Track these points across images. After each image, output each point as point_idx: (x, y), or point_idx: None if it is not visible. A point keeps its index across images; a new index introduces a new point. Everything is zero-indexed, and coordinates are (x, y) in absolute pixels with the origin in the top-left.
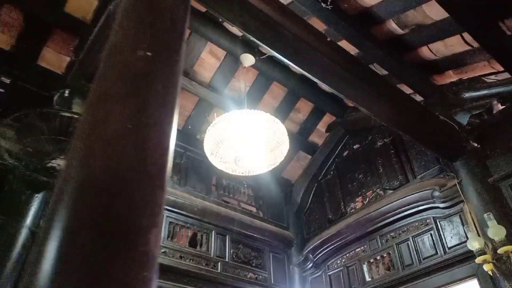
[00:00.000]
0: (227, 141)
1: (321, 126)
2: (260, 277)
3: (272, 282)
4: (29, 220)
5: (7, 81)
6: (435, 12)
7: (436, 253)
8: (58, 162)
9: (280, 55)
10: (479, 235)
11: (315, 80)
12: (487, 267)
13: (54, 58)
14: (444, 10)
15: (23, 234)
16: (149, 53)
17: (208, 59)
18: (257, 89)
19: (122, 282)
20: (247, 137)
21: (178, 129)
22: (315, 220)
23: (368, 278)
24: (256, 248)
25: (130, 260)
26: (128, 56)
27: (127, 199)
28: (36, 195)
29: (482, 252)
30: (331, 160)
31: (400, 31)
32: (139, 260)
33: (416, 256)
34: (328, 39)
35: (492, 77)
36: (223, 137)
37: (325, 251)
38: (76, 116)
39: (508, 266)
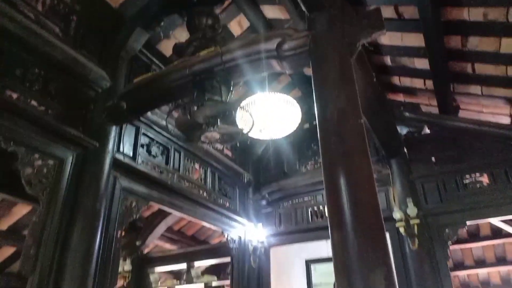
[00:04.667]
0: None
1: None
2: (231, 206)
3: (238, 210)
4: (110, 148)
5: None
6: (422, 64)
7: None
8: (207, 134)
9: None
10: (400, 209)
11: None
12: (401, 230)
13: None
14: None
15: (108, 159)
16: (362, 120)
17: (235, 27)
18: None
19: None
20: (269, 116)
21: None
22: (270, 170)
23: (310, 220)
24: (230, 183)
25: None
26: (354, 122)
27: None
28: (115, 127)
29: (400, 220)
30: None
31: (389, 63)
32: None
33: None
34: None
35: (425, 107)
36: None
37: (280, 195)
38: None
39: (412, 230)
